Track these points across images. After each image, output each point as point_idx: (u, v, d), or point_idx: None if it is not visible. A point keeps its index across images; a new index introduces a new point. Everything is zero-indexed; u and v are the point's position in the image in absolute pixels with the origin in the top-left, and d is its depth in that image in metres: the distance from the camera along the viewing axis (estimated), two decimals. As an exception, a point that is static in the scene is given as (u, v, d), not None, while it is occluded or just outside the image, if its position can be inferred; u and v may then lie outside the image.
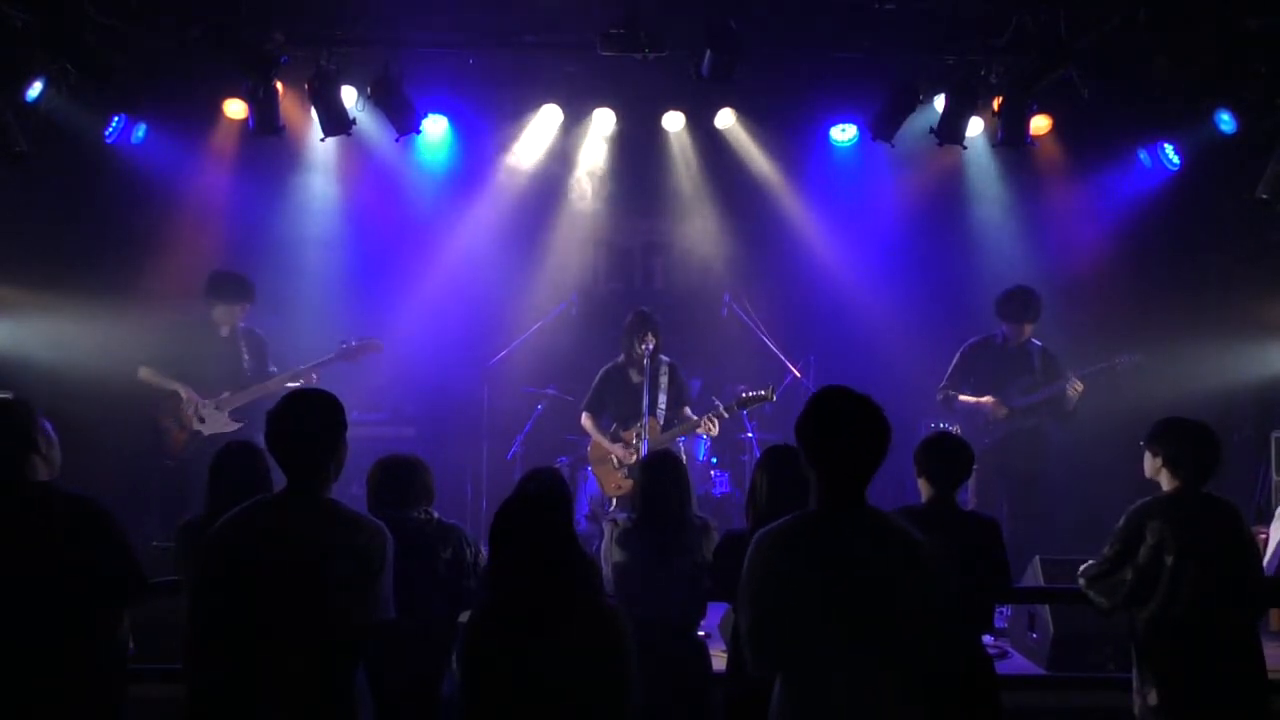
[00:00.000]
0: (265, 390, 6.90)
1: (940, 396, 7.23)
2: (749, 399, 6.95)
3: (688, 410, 7.03)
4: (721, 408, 6.89)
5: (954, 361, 7.25)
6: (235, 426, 6.89)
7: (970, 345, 7.26)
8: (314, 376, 6.96)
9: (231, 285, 6.98)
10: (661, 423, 6.91)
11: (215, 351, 6.97)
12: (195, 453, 6.78)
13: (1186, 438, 4.08)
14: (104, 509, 3.56)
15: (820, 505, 2.99)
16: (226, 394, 6.91)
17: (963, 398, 7.14)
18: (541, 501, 3.18)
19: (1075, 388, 6.87)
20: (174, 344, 6.98)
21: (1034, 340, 7.15)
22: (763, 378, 7.40)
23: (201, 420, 6.87)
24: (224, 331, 7.00)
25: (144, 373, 6.90)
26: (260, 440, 3.43)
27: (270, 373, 7.04)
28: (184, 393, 6.86)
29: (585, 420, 7.08)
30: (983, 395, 7.10)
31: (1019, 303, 7.03)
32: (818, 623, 2.83)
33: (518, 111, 8.37)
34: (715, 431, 6.98)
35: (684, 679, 4.22)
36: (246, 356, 7.03)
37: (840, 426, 2.99)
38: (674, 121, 8.51)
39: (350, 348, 7.05)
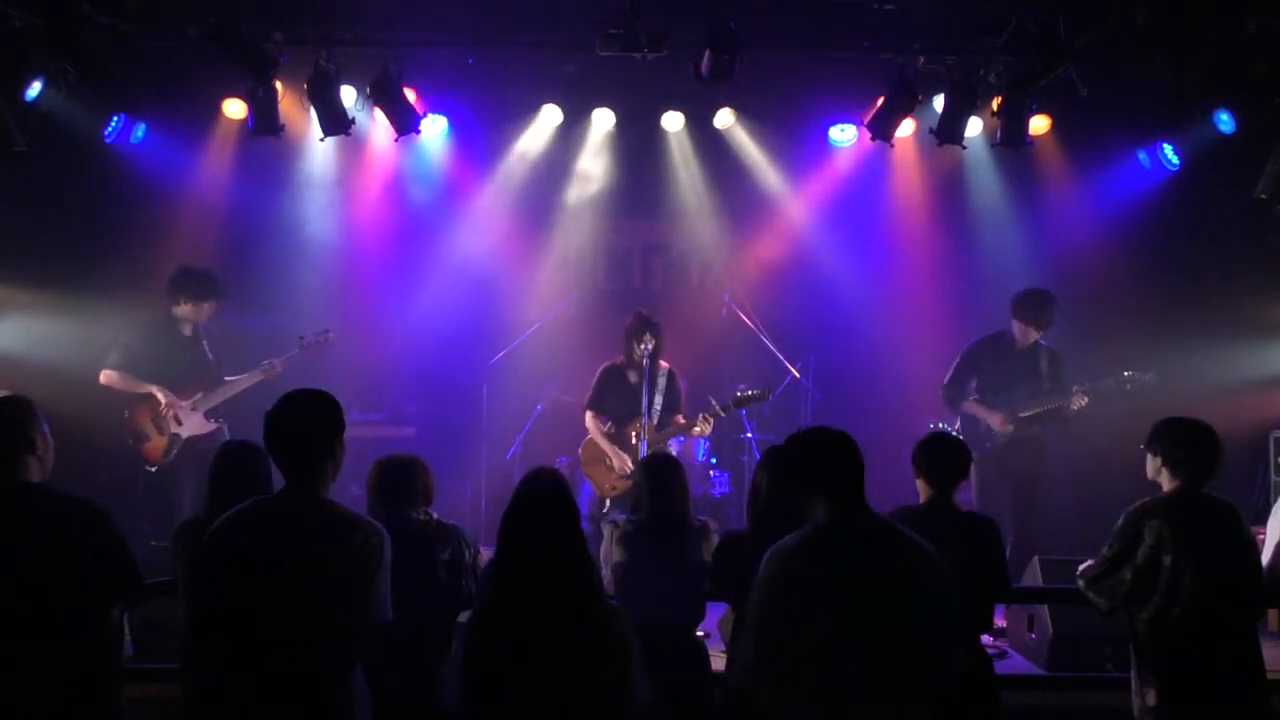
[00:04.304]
0: (236, 388, 6.87)
1: (944, 396, 7.16)
2: (745, 398, 6.94)
3: (680, 418, 7.03)
4: (717, 407, 6.88)
5: (958, 360, 7.16)
6: (213, 426, 6.84)
7: (975, 344, 7.18)
8: (278, 368, 6.89)
9: (200, 282, 6.89)
10: (656, 424, 6.91)
11: (184, 351, 6.88)
12: (177, 455, 6.76)
13: (1186, 438, 4.08)
14: (100, 509, 3.55)
15: (831, 518, 3.05)
16: (200, 394, 6.83)
17: (971, 407, 7.10)
18: (548, 500, 3.18)
19: (1080, 402, 6.85)
20: (139, 345, 6.85)
21: (1040, 341, 7.10)
22: (762, 378, 7.40)
23: (179, 422, 6.77)
24: (187, 330, 6.92)
25: (110, 377, 6.77)
26: (248, 437, 3.42)
27: (222, 372, 6.97)
28: (160, 395, 6.73)
29: (589, 419, 7.08)
30: (988, 396, 7.06)
31: (1036, 306, 6.94)
32: (832, 631, 2.82)
33: (518, 111, 8.36)
34: (708, 431, 6.96)
35: (684, 679, 4.22)
36: (211, 355, 6.95)
37: (832, 460, 3.21)
38: (673, 121, 8.51)
39: (305, 342, 6.98)
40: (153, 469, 6.79)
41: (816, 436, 3.34)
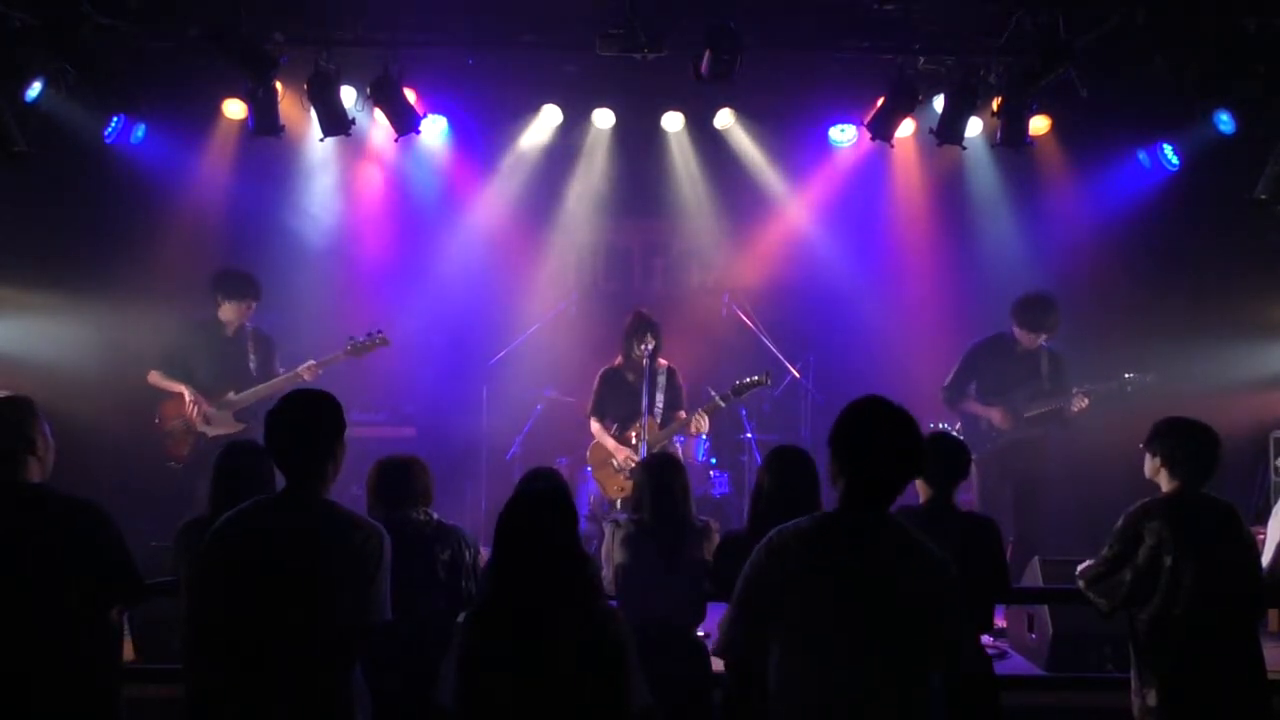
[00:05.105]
0: (270, 390, 6.86)
1: (944, 396, 7.16)
2: (745, 385, 6.87)
3: (682, 414, 7.02)
4: (716, 397, 6.86)
5: (960, 361, 7.16)
6: (240, 427, 6.86)
7: (977, 345, 7.17)
8: (319, 372, 6.88)
9: (240, 283, 6.97)
10: (659, 422, 6.91)
11: (220, 351, 6.95)
12: (200, 454, 6.76)
13: (1185, 438, 4.08)
14: (100, 510, 3.55)
15: (842, 509, 2.95)
16: (231, 394, 6.89)
17: (971, 405, 7.09)
18: (547, 500, 3.18)
19: (1080, 404, 6.84)
20: (179, 344, 6.97)
21: (1042, 343, 7.09)
22: (762, 377, 7.36)
23: (207, 421, 6.85)
24: (229, 331, 6.99)
25: (153, 376, 6.90)
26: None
27: (277, 372, 7.00)
28: (188, 394, 6.83)
29: (594, 426, 7.07)
30: (988, 397, 7.05)
31: (1038, 312, 6.92)
32: (824, 625, 2.81)
33: (518, 111, 8.37)
34: (706, 426, 6.93)
35: (684, 679, 4.22)
36: (253, 356, 7.00)
37: (879, 437, 2.96)
38: (673, 121, 8.52)
39: (358, 344, 6.99)
40: (173, 464, 6.87)
41: (870, 408, 3.01)
